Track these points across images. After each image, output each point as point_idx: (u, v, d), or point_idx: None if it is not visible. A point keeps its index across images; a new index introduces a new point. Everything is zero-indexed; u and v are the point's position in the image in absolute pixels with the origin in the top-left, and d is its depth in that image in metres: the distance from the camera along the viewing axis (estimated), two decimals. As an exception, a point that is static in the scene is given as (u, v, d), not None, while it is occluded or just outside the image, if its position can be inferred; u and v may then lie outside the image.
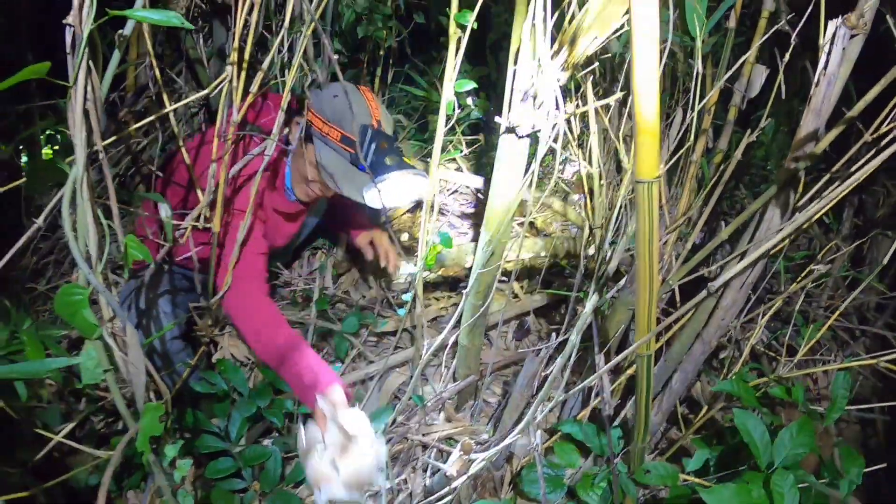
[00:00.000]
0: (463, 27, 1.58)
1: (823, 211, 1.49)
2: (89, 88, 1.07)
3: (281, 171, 2.33)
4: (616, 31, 1.47)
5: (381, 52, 3.38)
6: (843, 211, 3.53)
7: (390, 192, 2.09)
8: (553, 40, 1.55)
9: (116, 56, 1.18)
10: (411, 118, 3.86)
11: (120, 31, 1.16)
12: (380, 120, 2.15)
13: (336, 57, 1.67)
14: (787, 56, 1.69)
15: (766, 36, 1.95)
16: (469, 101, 3.83)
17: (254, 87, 1.83)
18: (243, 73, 1.77)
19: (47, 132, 2.77)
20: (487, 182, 3.02)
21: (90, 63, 1.07)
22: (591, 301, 1.72)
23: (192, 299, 2.30)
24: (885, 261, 2.03)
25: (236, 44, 1.66)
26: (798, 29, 1.65)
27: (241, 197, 2.13)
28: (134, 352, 1.33)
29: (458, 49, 1.59)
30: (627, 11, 1.08)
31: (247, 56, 1.75)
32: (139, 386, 1.35)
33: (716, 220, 3.25)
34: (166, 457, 1.48)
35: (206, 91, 1.63)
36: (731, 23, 2.33)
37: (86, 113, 1.09)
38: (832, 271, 3.27)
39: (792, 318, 2.69)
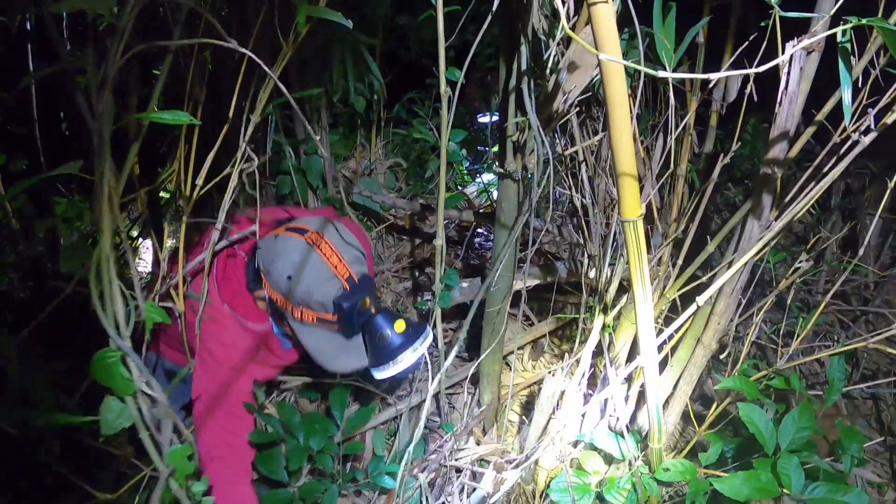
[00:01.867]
0: (453, 84, 1.66)
1: (796, 216, 1.61)
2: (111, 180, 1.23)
3: (272, 337, 2.15)
4: (593, 78, 1.62)
5: (375, 98, 3.49)
6: (830, 198, 3.65)
7: (390, 370, 1.95)
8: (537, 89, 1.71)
9: (134, 149, 1.35)
10: (409, 158, 3.91)
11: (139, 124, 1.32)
12: (349, 273, 1.89)
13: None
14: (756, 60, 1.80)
15: (737, 52, 2.06)
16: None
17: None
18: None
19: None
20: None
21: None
22: (598, 320, 1.87)
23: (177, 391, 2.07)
24: (865, 242, 2.12)
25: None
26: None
27: (226, 359, 1.99)
28: (161, 403, 1.49)
29: (450, 105, 1.65)
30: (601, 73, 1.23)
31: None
32: (167, 431, 1.51)
33: (709, 220, 3.38)
34: (196, 493, 1.63)
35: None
36: (701, 38, 2.46)
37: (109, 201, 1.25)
38: (827, 258, 3.38)
39: (791, 310, 2.80)
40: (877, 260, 3.58)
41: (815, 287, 3.40)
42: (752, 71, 1.06)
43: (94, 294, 1.32)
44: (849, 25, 1.18)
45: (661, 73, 0.96)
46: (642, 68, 1.01)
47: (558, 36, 1.57)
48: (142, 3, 1.13)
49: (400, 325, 1.93)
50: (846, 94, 1.29)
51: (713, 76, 1.05)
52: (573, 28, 1.60)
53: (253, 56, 1.28)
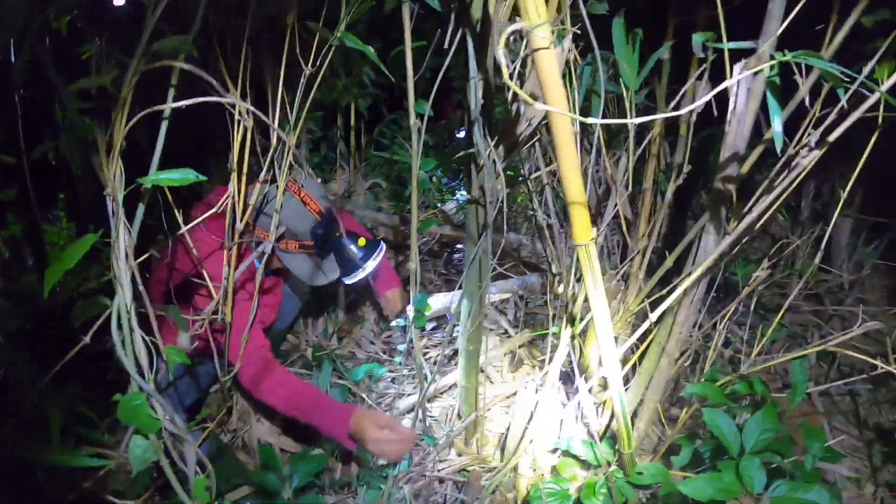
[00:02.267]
0: (421, 116, 1.77)
1: (749, 228, 1.68)
2: (125, 241, 1.32)
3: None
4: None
5: (353, 124, 3.59)
6: (801, 201, 3.73)
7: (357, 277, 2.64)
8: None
9: (141, 209, 1.43)
10: (389, 178, 4.01)
11: (144, 187, 1.40)
12: (319, 208, 2.47)
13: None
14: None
15: (700, 70, 2.13)
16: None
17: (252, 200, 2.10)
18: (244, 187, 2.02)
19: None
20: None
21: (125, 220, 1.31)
22: (566, 332, 1.95)
23: (186, 386, 2.55)
24: (825, 241, 2.17)
25: (234, 166, 1.90)
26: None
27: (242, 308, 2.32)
28: (188, 441, 1.57)
29: (419, 135, 1.76)
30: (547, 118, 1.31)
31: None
32: (191, 466, 1.59)
33: (687, 228, 3.45)
34: None
35: (215, 209, 1.88)
36: (666, 55, 2.53)
37: (126, 257, 1.33)
38: (793, 263, 3.45)
39: (758, 315, 2.89)
40: (850, 259, 3.65)
41: (789, 290, 3.47)
42: (690, 108, 1.13)
43: (117, 342, 1.41)
44: (775, 61, 1.25)
45: (590, 120, 1.04)
46: (576, 116, 1.08)
47: (511, 70, 1.64)
48: (140, 73, 1.21)
49: (361, 242, 2.61)
50: (776, 122, 1.36)
51: (639, 120, 1.13)
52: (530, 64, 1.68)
53: (256, 111, 1.37)
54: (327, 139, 3.70)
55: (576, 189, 1.34)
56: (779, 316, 2.21)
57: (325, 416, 2.28)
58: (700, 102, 1.18)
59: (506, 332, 3.13)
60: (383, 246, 2.69)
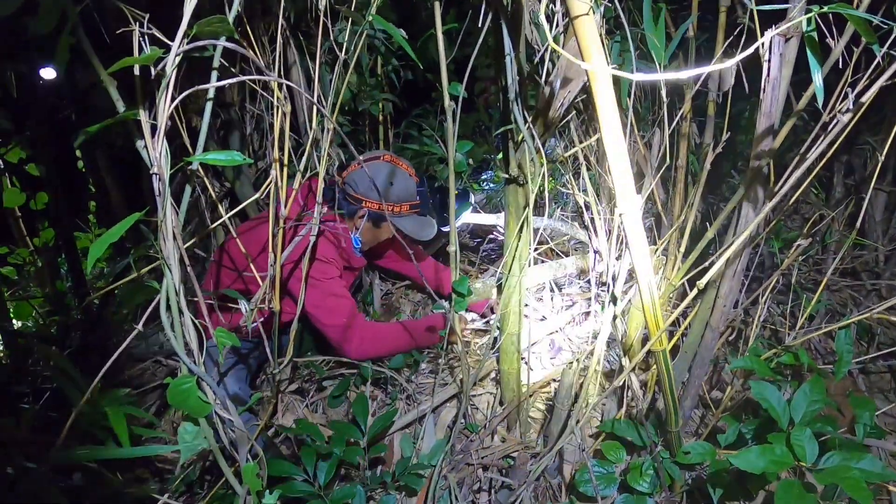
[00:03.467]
0: (456, 98, 1.77)
1: (787, 194, 1.66)
2: (172, 222, 1.31)
3: (347, 241, 2.81)
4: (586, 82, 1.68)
5: (380, 117, 3.61)
6: (833, 176, 3.69)
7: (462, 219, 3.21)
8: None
9: (188, 190, 1.43)
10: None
11: (190, 168, 1.40)
12: (413, 172, 2.84)
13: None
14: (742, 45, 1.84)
15: (726, 44, 2.11)
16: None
17: (295, 184, 2.11)
18: (285, 172, 2.02)
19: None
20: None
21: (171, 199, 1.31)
22: (609, 312, 1.93)
23: (242, 373, 2.70)
24: (862, 216, 2.16)
25: (276, 154, 1.90)
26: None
27: (321, 264, 2.62)
28: (238, 425, 1.57)
29: (454, 117, 1.77)
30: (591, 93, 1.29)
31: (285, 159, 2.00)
32: (243, 451, 1.59)
33: (718, 210, 3.42)
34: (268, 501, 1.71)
35: (257, 195, 1.90)
36: (691, 32, 2.51)
37: (174, 237, 1.33)
38: (830, 236, 3.42)
39: (798, 290, 2.86)
40: (885, 234, 3.61)
41: (825, 267, 3.43)
42: (731, 62, 1.11)
43: (166, 324, 1.42)
44: (812, 13, 1.23)
45: (636, 76, 1.02)
46: (620, 73, 1.07)
47: (545, 47, 1.63)
48: (182, 53, 1.21)
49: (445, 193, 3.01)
50: (816, 77, 1.35)
51: (689, 73, 1.11)
52: (563, 37, 1.67)
53: (292, 85, 1.37)
54: (354, 136, 3.72)
55: (620, 155, 1.32)
56: (820, 289, 2.18)
57: (424, 335, 2.80)
58: (738, 59, 1.15)
59: (543, 318, 3.11)
60: (470, 194, 3.18)
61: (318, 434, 2.25)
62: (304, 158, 2.02)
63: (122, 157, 3.91)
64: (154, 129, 1.24)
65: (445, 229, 3.00)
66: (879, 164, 2.01)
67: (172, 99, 1.22)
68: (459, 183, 3.66)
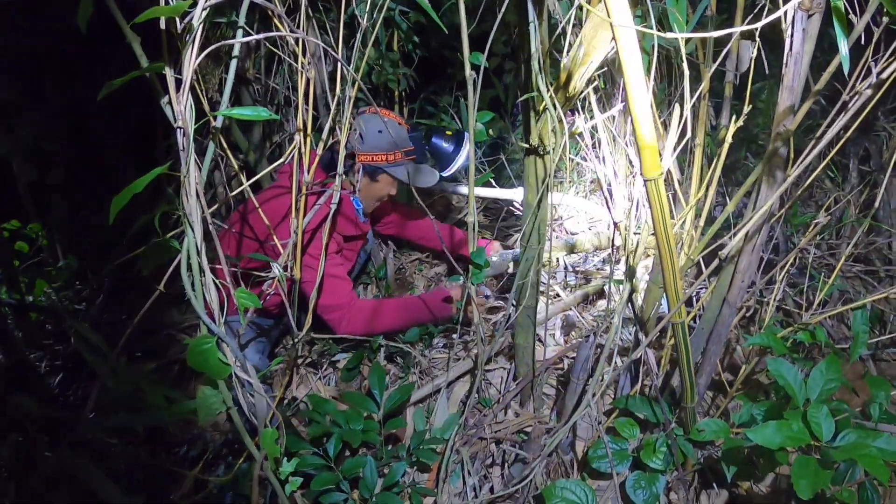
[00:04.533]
0: (476, 67, 1.77)
1: (803, 165, 1.65)
2: (196, 178, 1.31)
3: (348, 205, 2.84)
4: (608, 53, 1.67)
5: (396, 93, 3.61)
6: (848, 162, 3.68)
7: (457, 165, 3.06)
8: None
9: (212, 147, 1.43)
10: None
11: (213, 125, 1.40)
12: (402, 120, 2.88)
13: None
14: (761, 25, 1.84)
15: (746, 21, 2.10)
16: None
17: (319, 149, 2.12)
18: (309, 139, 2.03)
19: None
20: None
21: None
22: (626, 286, 1.93)
23: (262, 346, 2.74)
24: (879, 200, 2.14)
25: (300, 122, 1.90)
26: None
27: (319, 238, 2.55)
28: (258, 389, 1.57)
29: (475, 87, 1.77)
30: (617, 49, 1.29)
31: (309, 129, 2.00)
32: (261, 416, 1.59)
33: (732, 194, 3.41)
34: (284, 472, 1.72)
35: (281, 160, 1.90)
36: (710, 10, 2.50)
37: (197, 195, 1.33)
38: (846, 218, 3.40)
39: (812, 273, 2.85)
40: (900, 219, 3.59)
41: (839, 251, 3.42)
42: (755, 26, 1.11)
43: (187, 284, 1.41)
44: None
45: (669, 35, 1.02)
46: (651, 31, 1.07)
47: (566, 17, 1.62)
48: (210, 6, 1.20)
49: (448, 132, 3.06)
50: (842, 46, 1.35)
51: (713, 34, 1.11)
52: (584, 13, 1.66)
53: (324, 45, 1.37)
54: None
55: (645, 119, 1.32)
56: (835, 271, 2.18)
57: (435, 313, 2.81)
58: (761, 24, 1.15)
59: (557, 295, 3.11)
60: (466, 134, 3.08)
61: (335, 412, 2.25)
62: (331, 118, 2.02)
63: (134, 130, 3.93)
64: (179, 83, 1.23)
65: (446, 173, 3.05)
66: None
67: (198, 55, 1.22)
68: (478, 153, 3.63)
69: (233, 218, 2.73)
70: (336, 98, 2.00)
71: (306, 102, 1.92)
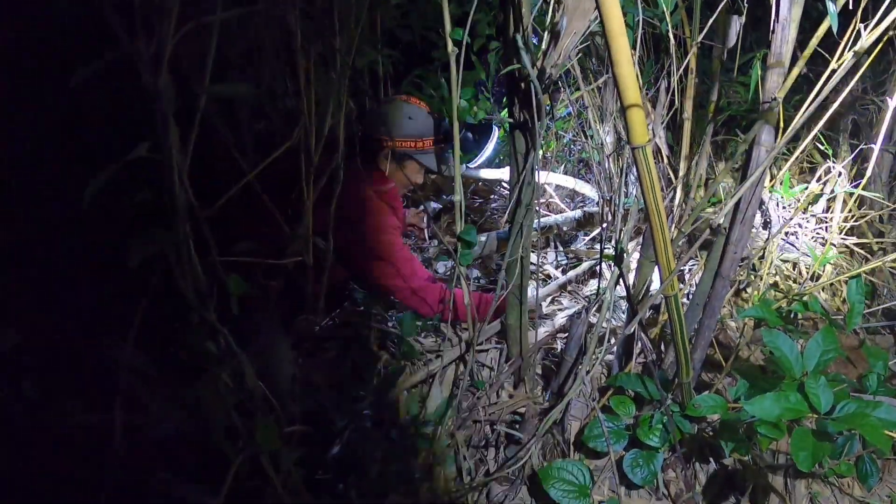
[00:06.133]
0: (457, 42, 1.75)
1: (790, 134, 1.63)
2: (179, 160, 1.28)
3: (395, 197, 2.88)
4: (593, 22, 1.65)
5: (381, 75, 3.59)
6: (839, 136, 3.67)
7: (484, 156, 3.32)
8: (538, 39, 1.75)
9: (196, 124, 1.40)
10: None
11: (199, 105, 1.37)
12: (430, 109, 2.83)
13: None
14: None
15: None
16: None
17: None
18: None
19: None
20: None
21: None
22: (616, 262, 1.91)
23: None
24: (870, 171, 2.14)
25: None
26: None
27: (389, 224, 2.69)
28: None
29: (458, 64, 1.75)
30: (598, 6, 1.27)
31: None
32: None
33: (721, 168, 3.40)
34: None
35: (290, 142, 1.89)
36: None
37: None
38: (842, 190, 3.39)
39: (809, 245, 2.84)
40: (891, 193, 3.58)
41: (831, 225, 3.42)
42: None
43: (177, 273, 1.38)
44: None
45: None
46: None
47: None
48: None
49: (475, 127, 3.22)
50: (830, 4, 1.33)
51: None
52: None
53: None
54: (355, 96, 3.70)
55: (632, 88, 1.30)
56: (828, 243, 2.16)
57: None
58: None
59: (548, 276, 3.09)
60: (495, 129, 3.33)
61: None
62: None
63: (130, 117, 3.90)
64: (157, 59, 1.20)
65: (472, 164, 3.21)
66: (885, 124, 1.99)
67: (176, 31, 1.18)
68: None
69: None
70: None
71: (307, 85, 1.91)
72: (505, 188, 3.72)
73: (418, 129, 2.74)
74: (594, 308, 2.18)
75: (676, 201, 2.21)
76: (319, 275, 2.37)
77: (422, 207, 3.17)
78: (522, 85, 1.79)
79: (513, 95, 1.84)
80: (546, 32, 1.70)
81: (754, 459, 2.04)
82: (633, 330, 2.00)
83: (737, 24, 2.33)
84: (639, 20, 1.89)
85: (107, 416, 1.62)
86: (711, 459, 2.11)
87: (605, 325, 2.03)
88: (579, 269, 3.03)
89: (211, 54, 1.33)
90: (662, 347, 2.21)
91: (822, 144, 3.57)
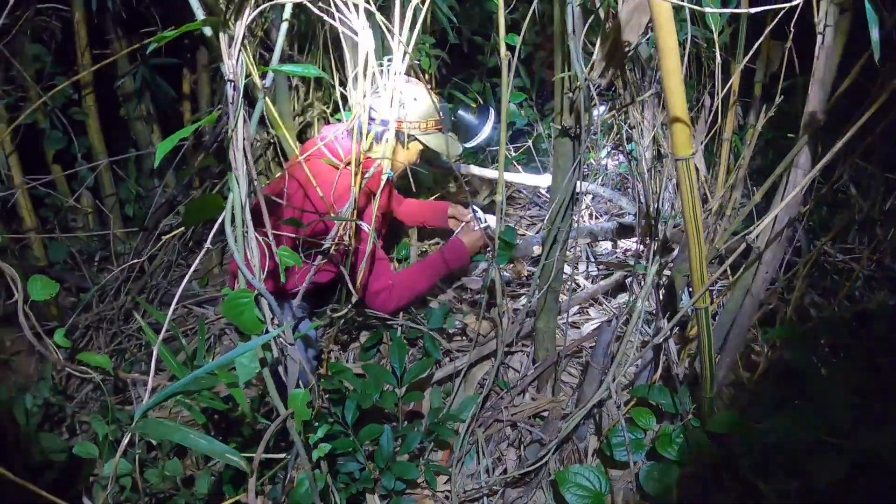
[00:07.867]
0: (510, 48, 1.79)
1: (829, 158, 1.65)
2: (243, 133, 1.34)
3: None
4: (644, 36, 1.69)
5: (427, 75, 3.62)
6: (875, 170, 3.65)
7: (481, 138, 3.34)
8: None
9: (261, 101, 1.46)
10: None
11: (264, 84, 1.43)
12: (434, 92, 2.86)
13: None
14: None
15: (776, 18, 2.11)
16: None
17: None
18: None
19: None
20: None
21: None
22: (651, 271, 1.94)
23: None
24: None
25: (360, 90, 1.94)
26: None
27: (369, 211, 2.54)
28: (295, 356, 1.59)
29: (509, 67, 1.79)
30: (650, 21, 1.31)
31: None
32: (292, 376, 1.61)
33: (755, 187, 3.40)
34: (315, 436, 1.73)
35: (346, 124, 1.93)
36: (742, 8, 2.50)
37: (244, 150, 1.36)
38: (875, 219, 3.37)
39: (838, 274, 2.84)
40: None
41: (862, 256, 3.39)
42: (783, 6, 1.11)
43: (230, 238, 1.43)
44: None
45: (708, 10, 1.03)
46: (681, 3, 1.08)
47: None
48: None
49: (472, 109, 3.38)
50: (874, 32, 1.35)
51: (749, 10, 1.12)
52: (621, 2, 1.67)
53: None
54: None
55: (678, 99, 1.33)
56: (856, 272, 2.17)
57: (452, 264, 2.88)
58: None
59: (578, 286, 3.11)
60: (492, 110, 3.41)
61: (352, 378, 2.26)
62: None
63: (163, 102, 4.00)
64: (231, 38, 1.26)
65: (469, 145, 3.29)
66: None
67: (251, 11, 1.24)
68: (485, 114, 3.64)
69: (276, 185, 2.71)
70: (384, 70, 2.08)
71: (364, 74, 1.98)
72: (541, 194, 3.76)
73: (422, 111, 2.75)
74: (623, 318, 2.20)
75: (712, 219, 2.23)
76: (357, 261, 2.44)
77: (476, 213, 3.15)
78: (572, 94, 1.82)
79: (562, 101, 1.87)
80: (597, 44, 1.74)
81: (772, 479, 2.05)
82: (660, 342, 2.03)
83: (780, 50, 2.34)
84: (687, 38, 1.91)
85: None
86: (729, 478, 2.12)
87: (633, 337, 2.05)
88: (611, 279, 3.05)
89: (282, 35, 1.39)
90: (687, 363, 2.22)
91: (859, 178, 3.56)
